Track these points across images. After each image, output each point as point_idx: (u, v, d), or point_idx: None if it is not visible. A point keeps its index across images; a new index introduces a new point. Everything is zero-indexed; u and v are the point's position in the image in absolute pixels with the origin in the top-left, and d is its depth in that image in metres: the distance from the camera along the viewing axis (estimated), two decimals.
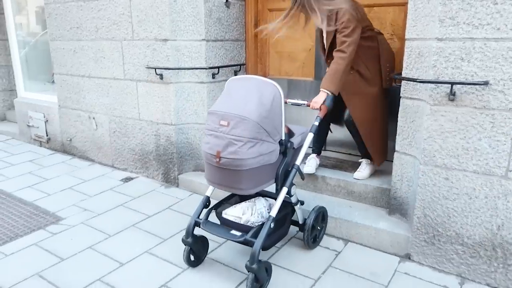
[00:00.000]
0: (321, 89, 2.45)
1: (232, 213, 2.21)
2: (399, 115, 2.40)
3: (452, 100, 2.03)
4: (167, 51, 3.21)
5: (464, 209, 2.12)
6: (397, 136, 2.44)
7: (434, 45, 2.05)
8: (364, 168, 2.83)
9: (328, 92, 2.40)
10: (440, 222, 2.21)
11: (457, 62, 2.00)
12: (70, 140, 4.30)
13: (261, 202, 2.27)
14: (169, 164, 3.47)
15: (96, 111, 3.94)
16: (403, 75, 2.31)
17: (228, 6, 3.32)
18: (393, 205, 2.56)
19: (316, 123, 2.29)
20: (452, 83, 2.00)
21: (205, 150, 2.03)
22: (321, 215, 2.52)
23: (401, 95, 2.37)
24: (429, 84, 2.10)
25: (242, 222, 2.15)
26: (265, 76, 3.63)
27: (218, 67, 3.29)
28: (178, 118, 3.36)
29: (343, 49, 2.39)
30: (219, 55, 3.33)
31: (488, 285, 2.13)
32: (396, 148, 2.46)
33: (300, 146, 2.25)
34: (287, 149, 2.13)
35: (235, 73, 3.49)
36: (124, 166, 3.85)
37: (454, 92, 2.01)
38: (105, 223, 2.83)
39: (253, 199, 2.32)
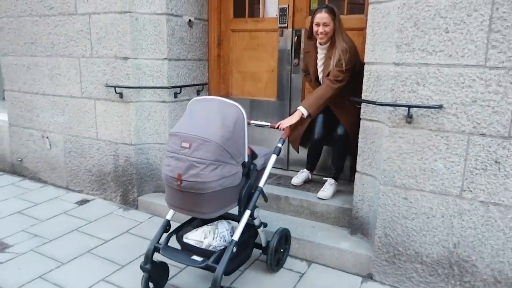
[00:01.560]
0: (299, 108, 2.54)
1: (193, 237, 2.13)
2: (359, 136, 2.46)
3: (410, 122, 2.11)
4: (128, 70, 3.13)
5: (422, 228, 2.18)
6: (358, 157, 2.49)
7: (392, 70, 2.13)
8: (328, 188, 2.86)
9: (305, 113, 2.53)
10: (400, 241, 2.25)
11: (413, 86, 2.09)
12: (21, 160, 4.06)
13: (223, 225, 2.21)
14: (128, 186, 3.34)
15: (50, 130, 3.76)
16: (363, 97, 2.38)
17: (191, 26, 3.31)
18: (354, 225, 2.59)
19: (280, 145, 2.30)
20: (409, 106, 2.08)
21: (166, 172, 1.96)
22: (284, 237, 2.51)
23: (361, 117, 2.43)
24: (387, 106, 2.17)
25: (203, 247, 2.08)
26: (228, 96, 3.62)
27: (180, 87, 3.25)
28: (138, 138, 3.26)
29: (334, 81, 2.62)
30: (181, 75, 3.29)
31: None
32: (357, 169, 2.50)
33: (263, 168, 2.24)
34: (250, 171, 2.11)
35: (198, 93, 3.46)
36: (80, 187, 3.67)
37: (411, 114, 2.09)
38: (58, 249, 2.66)
39: (216, 222, 2.26)
